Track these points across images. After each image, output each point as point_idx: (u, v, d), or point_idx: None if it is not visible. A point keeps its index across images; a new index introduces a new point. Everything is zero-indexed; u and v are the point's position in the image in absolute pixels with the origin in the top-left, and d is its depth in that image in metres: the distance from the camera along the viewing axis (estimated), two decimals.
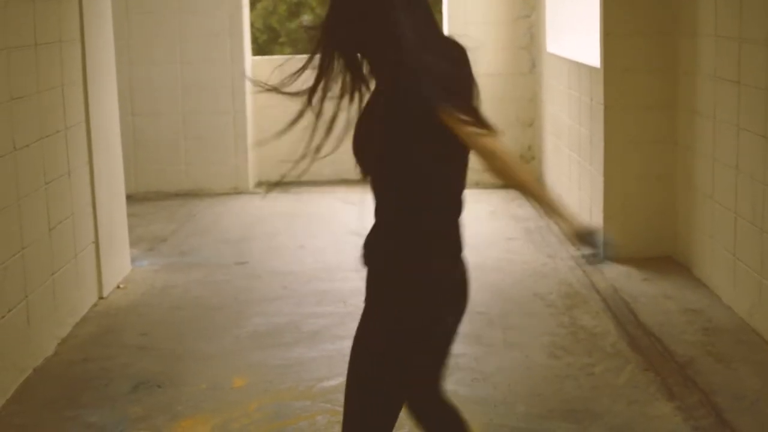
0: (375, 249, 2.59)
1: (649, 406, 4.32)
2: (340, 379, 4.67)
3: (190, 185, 9.34)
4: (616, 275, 6.21)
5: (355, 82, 2.53)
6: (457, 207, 2.61)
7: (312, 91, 2.51)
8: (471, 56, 2.65)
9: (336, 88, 2.52)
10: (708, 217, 5.88)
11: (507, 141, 9.35)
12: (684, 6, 6.19)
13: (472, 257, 7.51)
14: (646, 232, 6.56)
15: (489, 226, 7.73)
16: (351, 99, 2.53)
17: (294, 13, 20.12)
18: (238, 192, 9.32)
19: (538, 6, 9.13)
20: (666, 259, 6.47)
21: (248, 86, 9.34)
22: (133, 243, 7.12)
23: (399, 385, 2.61)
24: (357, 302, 6.03)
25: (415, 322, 2.54)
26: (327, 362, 4.89)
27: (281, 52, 18.36)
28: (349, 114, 2.52)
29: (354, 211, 8.08)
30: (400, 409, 2.65)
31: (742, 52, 5.28)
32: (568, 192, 7.86)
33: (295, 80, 2.55)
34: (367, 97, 2.56)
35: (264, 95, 10.14)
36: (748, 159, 5.26)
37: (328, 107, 2.52)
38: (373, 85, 2.56)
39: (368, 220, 2.64)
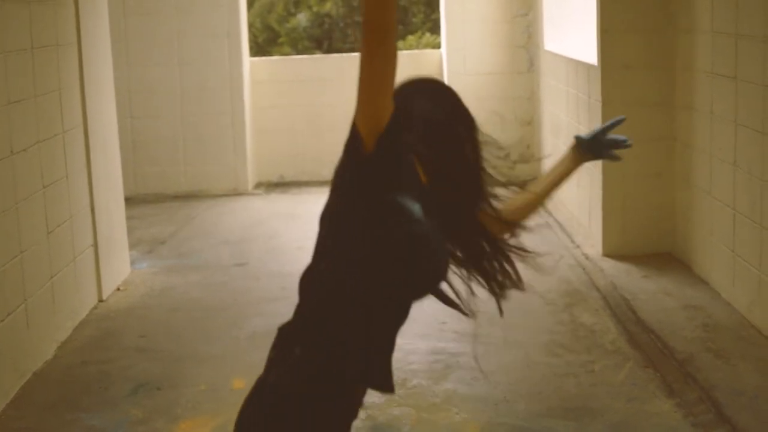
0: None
1: (648, 403, 4.31)
2: None
3: (189, 187, 9.34)
4: (615, 272, 6.21)
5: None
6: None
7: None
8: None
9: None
10: (707, 213, 5.88)
11: (506, 140, 9.36)
12: (680, 2, 6.19)
13: None
14: (646, 229, 6.56)
15: None
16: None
17: (292, 12, 20.10)
18: (237, 193, 9.32)
19: (536, 4, 9.13)
20: (665, 256, 6.47)
21: (246, 87, 9.34)
22: (132, 245, 7.12)
23: None
24: None
25: None
26: None
27: (280, 52, 18.35)
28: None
29: None
30: None
31: (739, 48, 5.28)
32: (567, 190, 7.84)
33: None
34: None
35: (263, 95, 10.01)
36: (746, 155, 5.26)
37: None
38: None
39: None
